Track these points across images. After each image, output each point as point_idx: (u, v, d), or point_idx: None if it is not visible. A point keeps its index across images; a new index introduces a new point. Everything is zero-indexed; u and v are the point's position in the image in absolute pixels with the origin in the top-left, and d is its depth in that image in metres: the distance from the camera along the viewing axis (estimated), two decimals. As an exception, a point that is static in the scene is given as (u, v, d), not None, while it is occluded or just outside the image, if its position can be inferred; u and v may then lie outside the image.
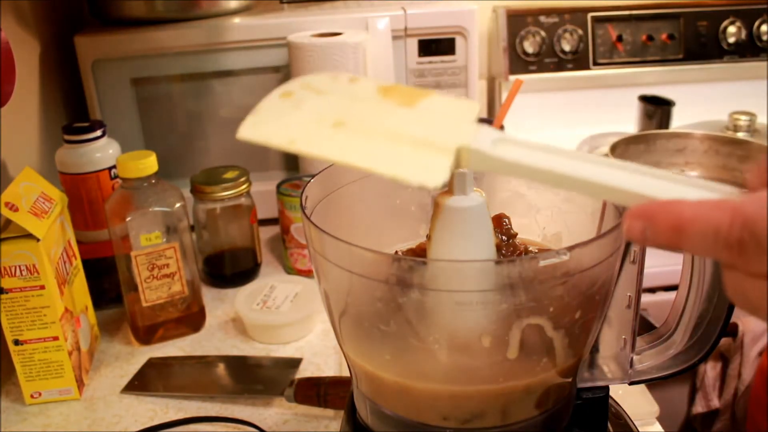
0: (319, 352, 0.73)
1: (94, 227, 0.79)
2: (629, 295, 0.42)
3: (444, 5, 0.97)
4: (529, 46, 1.33)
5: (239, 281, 0.86)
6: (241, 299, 0.77)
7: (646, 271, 0.41)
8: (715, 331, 0.43)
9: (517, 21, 1.32)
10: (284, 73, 0.95)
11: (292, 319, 0.74)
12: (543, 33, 1.32)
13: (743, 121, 1.26)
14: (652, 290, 0.99)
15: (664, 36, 1.35)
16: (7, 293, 0.63)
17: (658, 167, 0.28)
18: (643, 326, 0.44)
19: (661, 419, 0.62)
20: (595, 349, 0.43)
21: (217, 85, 0.95)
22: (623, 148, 1.14)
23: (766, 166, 0.27)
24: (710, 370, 1.03)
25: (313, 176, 0.43)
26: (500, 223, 0.43)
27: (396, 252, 0.44)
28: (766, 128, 1.28)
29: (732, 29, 1.34)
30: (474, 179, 0.39)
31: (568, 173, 0.30)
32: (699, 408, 1.03)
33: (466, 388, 0.39)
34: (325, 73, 0.36)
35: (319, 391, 0.62)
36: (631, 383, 0.44)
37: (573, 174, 0.30)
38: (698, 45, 1.35)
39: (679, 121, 1.33)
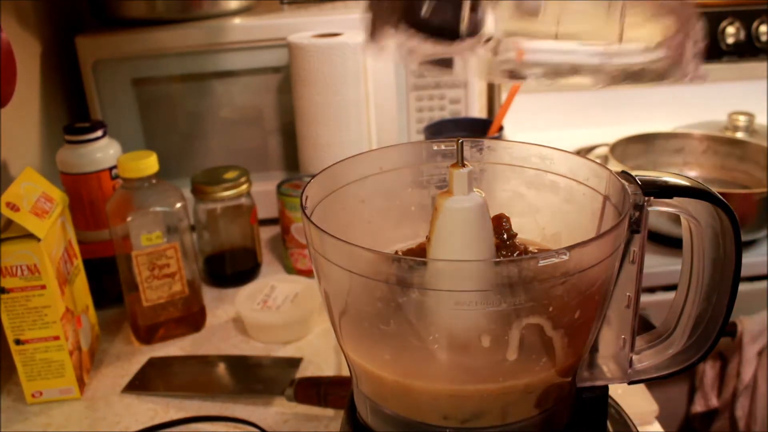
0: (319, 352, 0.73)
1: (95, 227, 0.80)
2: (629, 295, 0.42)
3: (444, 6, 0.97)
4: (529, 47, 1.33)
5: (239, 281, 0.86)
6: (242, 299, 0.77)
7: (645, 271, 0.41)
8: (714, 330, 0.43)
9: (516, 21, 1.32)
10: (284, 73, 0.95)
11: (292, 319, 0.75)
12: (543, 33, 1.32)
13: (742, 121, 1.26)
14: (651, 290, 0.99)
15: (663, 36, 1.35)
16: (8, 293, 0.63)
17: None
18: (643, 326, 0.45)
19: (660, 419, 0.63)
20: (594, 348, 0.44)
21: (217, 85, 0.96)
22: (623, 148, 1.14)
23: None
24: (709, 370, 1.03)
25: (313, 176, 0.43)
26: (500, 223, 0.43)
27: (396, 252, 0.44)
28: (766, 128, 1.28)
29: (731, 30, 1.35)
30: (474, 179, 0.39)
31: None
32: (698, 407, 1.04)
33: (465, 387, 0.39)
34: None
35: (319, 391, 0.62)
36: (631, 383, 0.44)
37: None
38: (697, 45, 1.35)
39: (678, 121, 1.33)
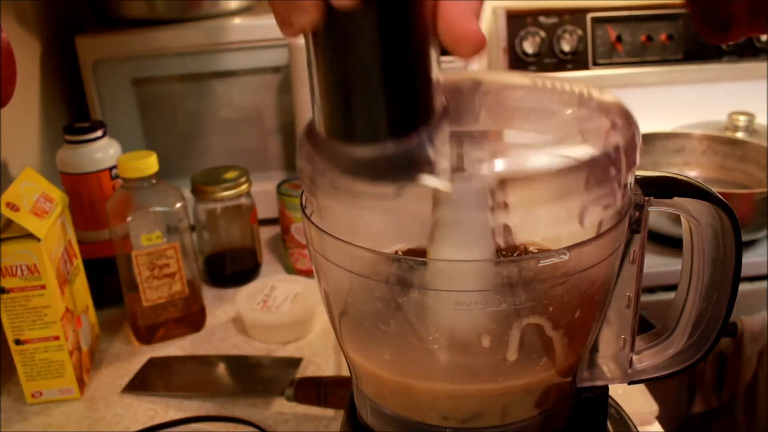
0: (319, 352, 0.73)
1: (94, 227, 0.80)
2: (628, 295, 0.42)
3: (444, 6, 0.97)
4: (529, 47, 1.33)
5: (239, 281, 0.86)
6: (242, 299, 0.77)
7: (645, 271, 0.41)
8: (714, 330, 0.43)
9: (516, 21, 1.32)
10: (284, 73, 0.95)
11: (292, 319, 0.75)
12: (542, 33, 1.32)
13: (742, 121, 1.26)
14: (651, 290, 0.99)
15: (663, 36, 1.35)
16: (8, 293, 0.63)
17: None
18: (643, 326, 0.44)
19: (660, 419, 0.63)
20: (594, 348, 0.44)
21: (217, 85, 0.96)
22: (623, 149, 1.14)
23: None
24: (709, 370, 1.03)
25: (313, 176, 0.43)
26: (500, 223, 0.43)
27: (396, 252, 0.44)
28: (766, 128, 1.28)
29: (731, 29, 1.34)
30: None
31: None
32: (698, 407, 1.04)
33: (465, 387, 0.39)
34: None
35: (319, 391, 0.62)
36: (631, 383, 0.44)
37: None
38: (697, 45, 1.35)
39: (678, 121, 1.33)
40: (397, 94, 0.30)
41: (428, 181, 0.31)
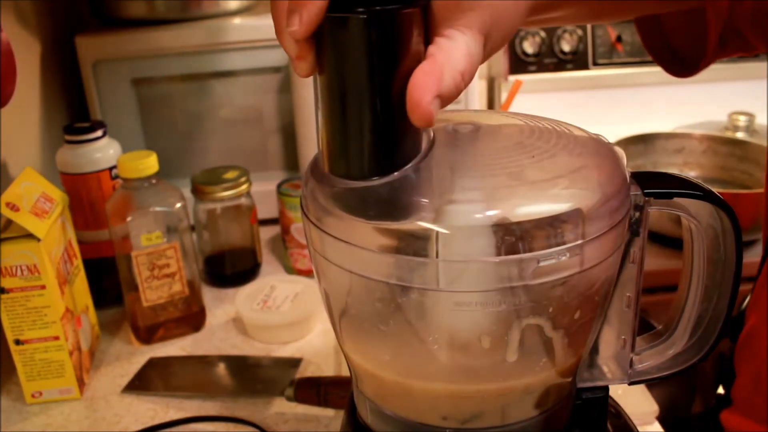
0: (319, 352, 0.73)
1: (94, 227, 0.80)
2: (629, 296, 0.42)
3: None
4: (529, 47, 1.33)
5: (239, 281, 0.86)
6: (242, 299, 0.77)
7: (646, 271, 0.41)
8: (714, 330, 0.43)
9: (516, 21, 1.32)
10: (284, 73, 0.95)
11: (292, 319, 0.75)
12: (542, 33, 1.32)
13: (742, 121, 1.26)
14: (652, 290, 0.99)
15: (663, 36, 1.35)
16: (8, 293, 0.63)
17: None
18: (643, 326, 0.45)
19: (660, 419, 0.63)
20: (594, 349, 0.44)
21: (217, 85, 0.96)
22: (623, 148, 1.14)
23: None
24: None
25: (313, 177, 0.43)
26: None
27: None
28: (766, 128, 1.28)
29: (731, 29, 1.34)
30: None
31: None
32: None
33: (465, 387, 0.39)
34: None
35: (319, 391, 0.62)
36: (631, 383, 0.44)
37: None
38: (698, 45, 1.35)
39: (678, 121, 1.33)
40: (383, 135, 0.34)
41: (427, 223, 0.33)
